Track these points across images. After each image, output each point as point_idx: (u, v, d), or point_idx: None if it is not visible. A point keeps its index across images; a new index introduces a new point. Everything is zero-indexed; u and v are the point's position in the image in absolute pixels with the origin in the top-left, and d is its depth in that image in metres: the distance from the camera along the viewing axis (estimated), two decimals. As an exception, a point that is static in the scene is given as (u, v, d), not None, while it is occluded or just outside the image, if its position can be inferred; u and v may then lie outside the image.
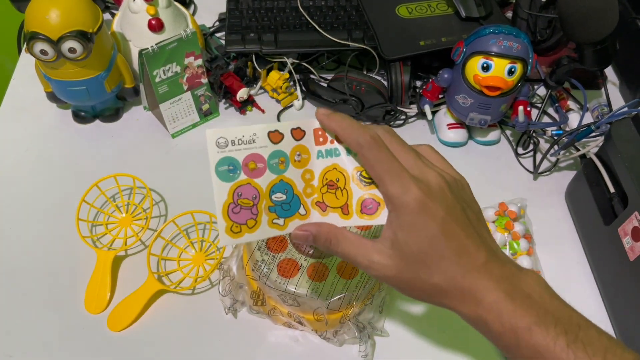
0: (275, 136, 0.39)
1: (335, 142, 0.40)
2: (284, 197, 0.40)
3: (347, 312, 0.54)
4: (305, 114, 0.79)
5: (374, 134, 0.37)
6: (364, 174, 0.40)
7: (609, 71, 0.86)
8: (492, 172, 0.74)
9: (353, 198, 0.40)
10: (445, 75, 0.71)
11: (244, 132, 0.38)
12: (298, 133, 0.40)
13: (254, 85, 0.81)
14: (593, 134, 0.67)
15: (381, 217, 0.39)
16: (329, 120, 0.39)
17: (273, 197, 0.40)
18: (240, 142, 0.38)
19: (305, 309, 0.54)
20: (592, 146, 0.67)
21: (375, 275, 0.38)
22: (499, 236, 0.63)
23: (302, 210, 0.40)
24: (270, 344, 0.57)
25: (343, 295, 0.52)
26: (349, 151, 0.40)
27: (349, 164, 0.40)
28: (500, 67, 0.66)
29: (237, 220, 0.39)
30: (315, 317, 0.54)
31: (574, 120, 0.76)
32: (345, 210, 0.40)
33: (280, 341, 0.57)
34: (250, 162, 0.39)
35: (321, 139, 0.40)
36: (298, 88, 0.80)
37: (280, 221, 0.40)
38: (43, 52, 0.64)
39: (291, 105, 0.80)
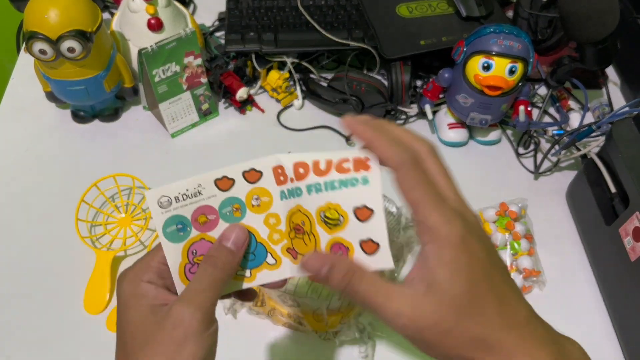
0: (223, 183, 0.36)
1: (295, 180, 0.35)
2: None
3: (347, 312, 0.53)
4: (305, 114, 0.79)
5: (415, 154, 0.32)
6: (327, 214, 0.35)
7: (610, 71, 0.86)
8: (493, 172, 0.74)
9: (321, 243, 0.35)
10: (446, 75, 0.71)
11: (187, 186, 0.36)
12: (252, 175, 0.36)
13: (254, 85, 0.81)
14: (594, 134, 0.67)
15: None
16: (363, 129, 0.33)
17: None
18: (185, 197, 0.35)
19: (305, 310, 0.53)
20: (593, 146, 0.67)
21: (401, 326, 0.31)
22: (500, 236, 0.63)
23: (270, 260, 0.37)
24: (270, 344, 0.57)
25: (343, 295, 0.52)
26: (310, 189, 0.35)
27: (311, 205, 0.35)
28: (501, 67, 0.66)
29: None
30: (315, 318, 0.53)
31: (574, 120, 0.76)
32: None
33: (280, 342, 0.57)
34: (199, 215, 0.36)
35: (282, 178, 0.35)
36: (298, 88, 0.79)
37: (246, 272, 0.37)
38: (42, 51, 0.64)
39: (291, 105, 0.80)
